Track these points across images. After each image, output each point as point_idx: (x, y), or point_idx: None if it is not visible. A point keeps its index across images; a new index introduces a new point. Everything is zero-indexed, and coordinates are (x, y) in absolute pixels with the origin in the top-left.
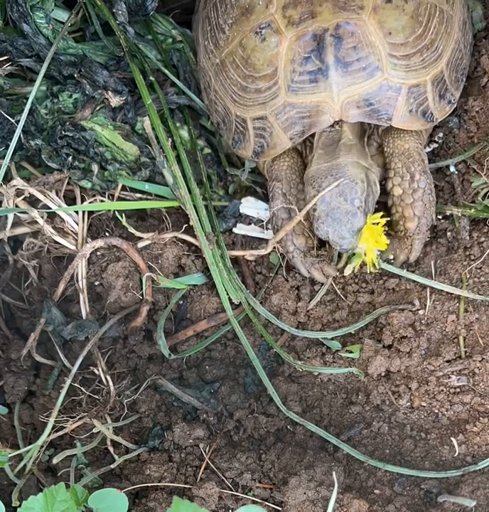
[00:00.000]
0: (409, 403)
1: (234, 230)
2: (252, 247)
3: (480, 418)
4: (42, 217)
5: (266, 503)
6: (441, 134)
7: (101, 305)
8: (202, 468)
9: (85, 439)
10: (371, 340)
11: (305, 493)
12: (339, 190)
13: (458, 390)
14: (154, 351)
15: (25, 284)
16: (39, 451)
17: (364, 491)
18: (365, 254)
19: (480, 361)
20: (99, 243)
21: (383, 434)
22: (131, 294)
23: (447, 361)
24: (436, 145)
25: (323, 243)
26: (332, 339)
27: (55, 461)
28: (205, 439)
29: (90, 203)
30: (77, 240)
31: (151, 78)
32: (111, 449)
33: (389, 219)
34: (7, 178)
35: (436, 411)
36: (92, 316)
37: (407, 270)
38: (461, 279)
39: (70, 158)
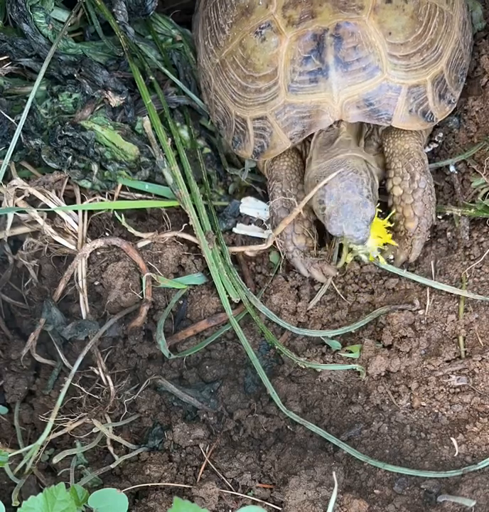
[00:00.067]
0: (408, 403)
1: (234, 229)
2: None
3: (480, 418)
4: (42, 217)
5: (266, 503)
6: (440, 134)
7: (101, 305)
8: (202, 468)
9: (85, 439)
10: (371, 340)
11: (305, 493)
12: (346, 184)
13: (457, 389)
14: (154, 351)
15: (25, 284)
16: (39, 451)
17: (364, 490)
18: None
19: (480, 361)
20: (99, 243)
21: (383, 434)
22: (131, 293)
23: (447, 361)
24: (435, 145)
25: (322, 243)
26: (332, 338)
27: (55, 461)
28: (205, 439)
29: (90, 202)
30: (77, 240)
31: (151, 78)
32: (111, 449)
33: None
34: (7, 177)
35: (436, 411)
36: (92, 316)
37: (407, 270)
38: (461, 279)
39: (70, 158)
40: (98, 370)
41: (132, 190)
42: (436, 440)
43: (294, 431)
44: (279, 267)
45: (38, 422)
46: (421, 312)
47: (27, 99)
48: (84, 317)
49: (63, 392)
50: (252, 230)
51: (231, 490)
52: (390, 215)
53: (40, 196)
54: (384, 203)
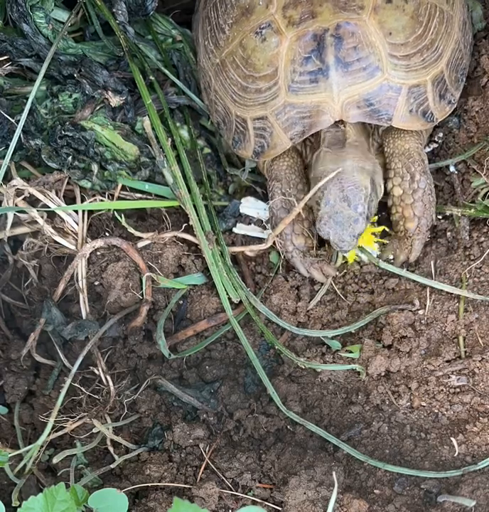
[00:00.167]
0: (408, 403)
1: (234, 229)
2: None
3: (480, 418)
4: (42, 217)
5: (266, 503)
6: (441, 134)
7: (101, 305)
8: (202, 468)
9: (85, 439)
10: (371, 340)
11: (305, 493)
12: (343, 195)
13: (457, 389)
14: (154, 351)
15: (25, 284)
16: (39, 451)
17: (364, 490)
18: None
19: (480, 361)
20: (99, 243)
21: (383, 434)
22: (131, 293)
23: (447, 361)
24: (436, 145)
25: (322, 243)
26: (332, 338)
27: (55, 461)
28: (205, 439)
29: (90, 202)
30: (77, 240)
31: (151, 78)
32: (111, 449)
33: (385, 229)
34: (7, 178)
35: (436, 411)
36: (92, 316)
37: (407, 270)
38: (461, 279)
39: (70, 158)
40: (98, 370)
41: (132, 190)
42: (436, 440)
43: (294, 431)
44: (279, 267)
45: (38, 422)
46: (421, 312)
47: (27, 99)
48: (84, 317)
49: (63, 392)
50: (252, 230)
51: (231, 490)
52: (382, 229)
53: (40, 196)
54: (384, 203)
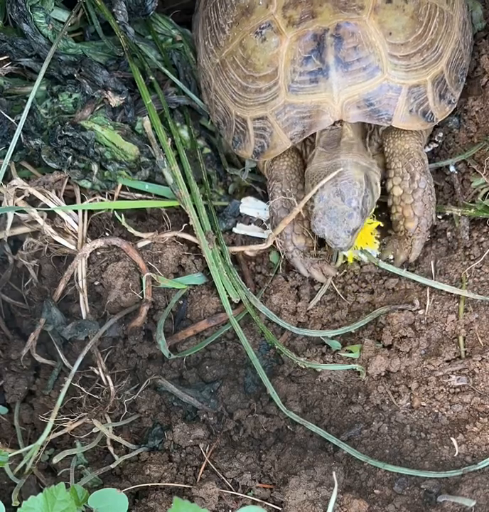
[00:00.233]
0: (408, 403)
1: (234, 229)
2: None
3: (480, 418)
4: (42, 217)
5: (266, 503)
6: (440, 134)
7: (101, 305)
8: (202, 468)
9: (85, 439)
10: (371, 340)
11: (305, 493)
12: (337, 189)
13: (457, 389)
14: (154, 351)
15: (25, 284)
16: (39, 451)
17: (364, 490)
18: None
19: (480, 361)
20: (99, 243)
21: (383, 434)
22: (131, 293)
23: (447, 361)
24: (435, 145)
25: (322, 243)
26: (332, 338)
27: (55, 461)
28: (205, 439)
29: (90, 202)
30: (77, 240)
31: (151, 78)
32: (111, 449)
33: (380, 224)
34: (7, 177)
35: (436, 411)
36: (92, 316)
37: (407, 270)
38: (461, 279)
39: (70, 158)
40: (98, 370)
41: (132, 190)
42: (436, 440)
43: (294, 431)
44: (279, 267)
45: (38, 422)
46: (421, 312)
47: (27, 99)
48: (84, 317)
49: (63, 392)
50: (252, 230)
51: (231, 490)
52: (377, 223)
53: (40, 196)
54: (384, 203)
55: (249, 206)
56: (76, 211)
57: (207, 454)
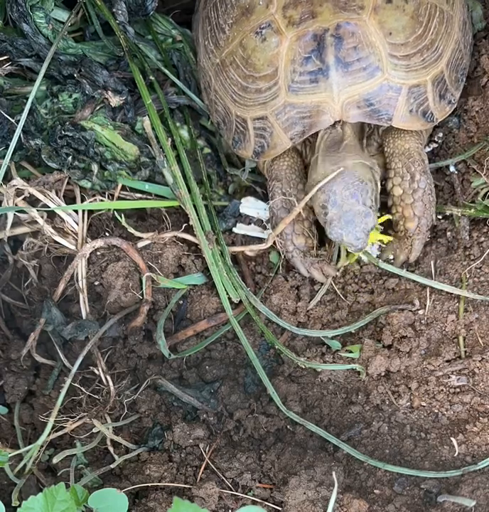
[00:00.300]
0: (408, 403)
1: (234, 229)
2: None
3: (480, 418)
4: (42, 217)
5: (266, 503)
6: (440, 134)
7: (101, 305)
8: (202, 468)
9: (85, 439)
10: (371, 340)
11: (305, 493)
12: (350, 192)
13: (457, 389)
14: (154, 351)
15: (25, 284)
16: (39, 451)
17: (364, 490)
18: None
19: (480, 361)
20: (99, 243)
21: (383, 434)
22: (131, 293)
23: (447, 361)
24: (436, 145)
25: (322, 243)
26: (332, 338)
27: (55, 461)
28: (205, 439)
29: (90, 202)
30: (77, 240)
31: (151, 78)
32: (111, 449)
33: (390, 217)
34: (7, 177)
35: (436, 411)
36: (92, 316)
37: (407, 270)
38: (461, 279)
39: (70, 158)
40: (98, 370)
41: (132, 190)
42: (436, 440)
43: (294, 431)
44: (279, 267)
45: (38, 422)
46: (421, 312)
47: (27, 99)
48: (84, 317)
49: (63, 392)
50: (252, 230)
51: (231, 490)
52: (386, 217)
53: (40, 196)
54: (384, 203)
55: (249, 206)
56: (76, 211)
57: (207, 454)
